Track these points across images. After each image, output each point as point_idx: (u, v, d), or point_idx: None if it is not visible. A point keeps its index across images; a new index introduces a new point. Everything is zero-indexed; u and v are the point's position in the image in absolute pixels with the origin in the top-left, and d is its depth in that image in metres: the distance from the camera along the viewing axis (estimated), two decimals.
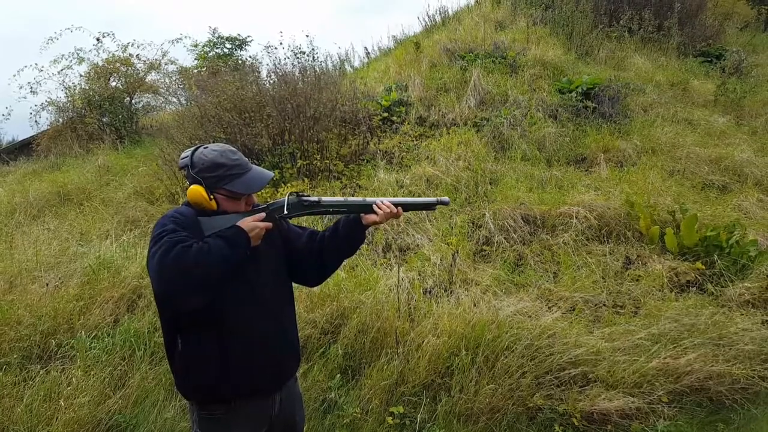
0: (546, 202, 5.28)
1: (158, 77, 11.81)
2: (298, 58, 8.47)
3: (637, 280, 4.27)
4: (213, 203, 1.76)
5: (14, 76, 14.32)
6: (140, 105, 12.00)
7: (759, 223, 5.08)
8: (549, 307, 3.86)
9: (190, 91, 10.05)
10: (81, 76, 11.08)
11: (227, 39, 14.81)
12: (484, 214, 5.16)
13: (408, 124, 7.33)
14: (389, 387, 3.11)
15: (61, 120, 10.99)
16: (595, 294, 4.07)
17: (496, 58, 8.63)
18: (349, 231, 1.90)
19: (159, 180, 6.85)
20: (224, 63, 12.92)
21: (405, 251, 4.82)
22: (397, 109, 7.63)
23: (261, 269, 1.82)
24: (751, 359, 3.33)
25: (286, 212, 1.84)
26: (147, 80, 11.58)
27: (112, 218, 5.90)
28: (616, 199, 5.24)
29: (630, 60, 9.31)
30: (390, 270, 4.29)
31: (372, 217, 1.87)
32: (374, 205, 1.86)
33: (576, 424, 2.95)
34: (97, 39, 11.06)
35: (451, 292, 4.03)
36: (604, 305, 3.98)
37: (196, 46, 14.43)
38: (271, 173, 1.89)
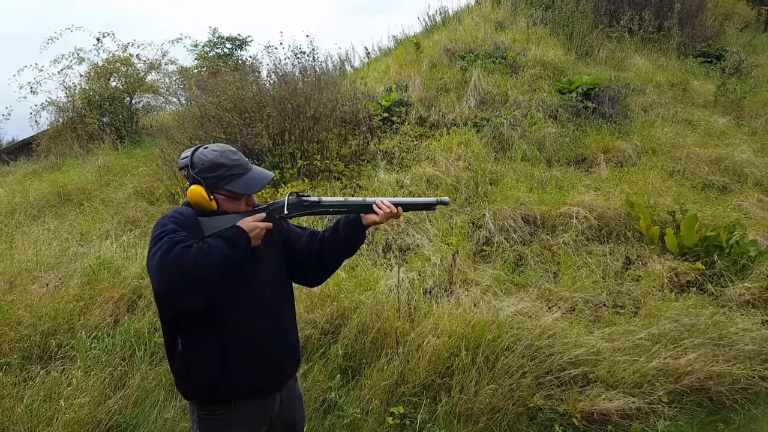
0: (546, 202, 5.28)
1: (158, 77, 11.83)
2: (298, 58, 8.49)
3: (638, 280, 4.27)
4: (213, 203, 1.76)
5: (14, 76, 14.39)
6: (140, 105, 12.01)
7: (759, 224, 5.08)
8: (549, 308, 3.86)
9: (190, 91, 10.05)
10: (81, 76, 11.10)
11: (227, 39, 14.81)
12: (484, 215, 5.16)
13: (408, 124, 7.33)
14: (389, 387, 3.11)
15: (61, 120, 10.99)
16: (595, 294, 4.07)
17: (497, 59, 8.63)
18: (350, 231, 1.90)
19: (159, 180, 6.85)
20: (224, 63, 12.91)
21: (405, 251, 4.82)
22: (397, 110, 7.63)
23: (261, 269, 1.82)
24: (752, 359, 3.33)
25: (286, 212, 1.84)
26: (147, 80, 11.58)
27: (112, 218, 5.90)
28: (616, 200, 5.24)
29: (630, 60, 9.31)
30: (390, 270, 4.29)
31: (372, 217, 1.87)
32: (374, 205, 1.86)
33: (576, 424, 2.95)
34: (97, 39, 11.07)
35: (451, 293, 4.03)
36: (604, 305, 3.98)
37: (196, 46, 14.45)
38: (271, 173, 1.89)
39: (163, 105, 12.29)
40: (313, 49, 8.88)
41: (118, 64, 11.16)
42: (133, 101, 11.43)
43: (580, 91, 7.53)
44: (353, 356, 3.38)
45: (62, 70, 10.91)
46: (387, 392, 3.10)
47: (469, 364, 3.14)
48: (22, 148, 12.00)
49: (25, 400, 2.89)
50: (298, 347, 2.02)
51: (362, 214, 1.88)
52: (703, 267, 4.28)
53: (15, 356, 3.29)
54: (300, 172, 6.18)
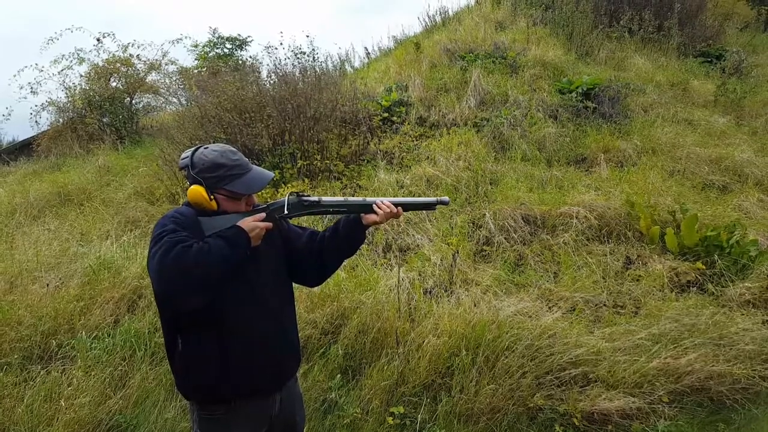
0: (546, 202, 5.28)
1: (158, 77, 11.84)
2: (298, 58, 8.48)
3: (638, 280, 4.27)
4: (213, 203, 1.76)
5: (14, 76, 14.27)
6: (140, 105, 12.02)
7: (759, 223, 5.08)
8: (549, 307, 3.86)
9: (191, 91, 10.04)
10: (81, 76, 11.10)
11: (227, 39, 14.83)
12: (485, 215, 5.16)
13: (408, 124, 7.34)
14: (389, 387, 3.11)
15: (61, 120, 10.99)
16: (595, 294, 4.07)
17: (497, 59, 8.63)
18: (350, 231, 1.90)
19: (159, 180, 6.85)
20: (224, 63, 12.92)
21: (405, 251, 4.82)
22: (398, 110, 7.63)
23: (261, 269, 1.82)
24: (752, 359, 3.33)
25: (286, 212, 1.84)
26: (147, 80, 11.58)
27: (112, 219, 5.90)
28: (616, 199, 5.24)
29: (630, 60, 9.30)
30: (390, 270, 4.29)
31: (372, 217, 1.87)
32: (374, 205, 1.86)
33: (576, 424, 2.95)
34: (98, 39, 11.08)
35: (451, 293, 4.03)
36: (605, 305, 3.98)
37: (196, 46, 14.46)
38: (271, 173, 1.89)
39: (164, 105, 12.32)
40: (313, 50, 8.89)
41: (119, 65, 11.17)
42: (133, 101, 11.44)
43: (580, 91, 7.53)
44: (353, 356, 3.38)
45: (62, 70, 10.94)
46: (387, 392, 3.10)
47: (469, 364, 3.14)
48: (23, 149, 12.02)
49: (25, 400, 2.89)
50: (299, 347, 2.02)
51: (362, 214, 1.88)
52: (704, 267, 4.28)
53: (15, 356, 3.30)
54: (300, 172, 6.18)
